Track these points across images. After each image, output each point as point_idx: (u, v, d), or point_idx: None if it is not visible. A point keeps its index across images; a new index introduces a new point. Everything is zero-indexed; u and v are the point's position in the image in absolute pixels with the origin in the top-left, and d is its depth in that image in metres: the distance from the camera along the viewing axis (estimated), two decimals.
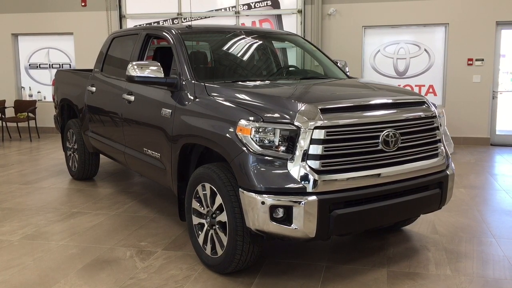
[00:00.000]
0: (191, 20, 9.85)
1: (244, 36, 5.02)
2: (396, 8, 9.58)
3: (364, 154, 3.30)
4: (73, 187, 6.28)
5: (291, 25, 10.11)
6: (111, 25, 10.67)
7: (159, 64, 4.17)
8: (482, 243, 4.27)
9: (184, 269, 3.73)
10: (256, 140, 3.22)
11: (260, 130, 3.22)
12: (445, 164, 3.77)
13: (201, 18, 10.42)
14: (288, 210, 3.13)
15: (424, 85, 9.79)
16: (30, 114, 10.56)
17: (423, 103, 3.78)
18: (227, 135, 3.37)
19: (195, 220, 3.81)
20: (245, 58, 4.98)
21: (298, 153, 3.15)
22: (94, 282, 3.52)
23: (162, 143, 4.24)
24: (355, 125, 3.28)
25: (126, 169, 7.12)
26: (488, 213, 5.16)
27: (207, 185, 3.59)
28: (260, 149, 3.21)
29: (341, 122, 3.24)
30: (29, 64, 11.54)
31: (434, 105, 3.91)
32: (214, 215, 3.58)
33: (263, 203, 3.13)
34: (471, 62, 9.40)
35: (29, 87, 11.51)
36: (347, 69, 5.35)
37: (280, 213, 3.14)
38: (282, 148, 3.20)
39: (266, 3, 10.20)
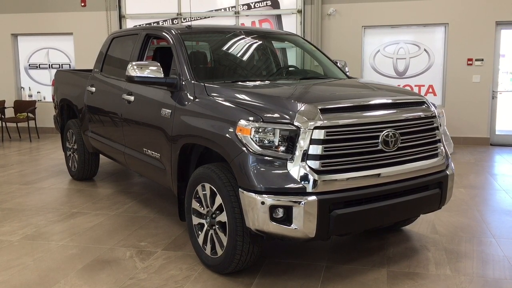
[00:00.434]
0: (191, 20, 9.86)
1: (243, 36, 5.03)
2: (395, 8, 9.58)
3: (364, 154, 3.30)
4: (73, 187, 6.29)
5: (290, 25, 10.12)
6: (110, 25, 10.68)
7: (158, 64, 4.17)
8: (482, 243, 4.27)
9: (184, 269, 3.73)
10: (256, 140, 3.23)
11: (260, 130, 3.23)
12: (444, 164, 3.77)
13: (200, 18, 10.42)
14: (288, 210, 3.13)
15: (423, 85, 9.79)
16: (30, 115, 10.56)
17: (422, 103, 3.78)
18: (227, 135, 3.37)
19: (195, 220, 3.81)
20: (245, 58, 4.98)
21: (298, 153, 3.15)
22: (94, 282, 3.52)
23: (162, 143, 4.24)
24: (355, 125, 3.28)
25: (126, 169, 7.12)
26: (488, 213, 5.17)
27: (207, 185, 3.59)
28: (260, 149, 3.22)
29: (341, 122, 3.24)
30: (29, 64, 11.55)
31: (434, 105, 3.91)
32: (214, 215, 3.58)
33: (263, 203, 3.13)
34: (470, 62, 9.40)
35: (29, 87, 11.51)
36: (346, 69, 5.35)
37: (280, 213, 3.14)
38: (282, 148, 3.20)
39: (266, 3, 10.20)
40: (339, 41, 9.86)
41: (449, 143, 8.35)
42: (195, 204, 3.78)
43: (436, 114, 3.80)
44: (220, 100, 3.71)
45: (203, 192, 3.66)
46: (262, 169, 3.19)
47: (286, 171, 3.16)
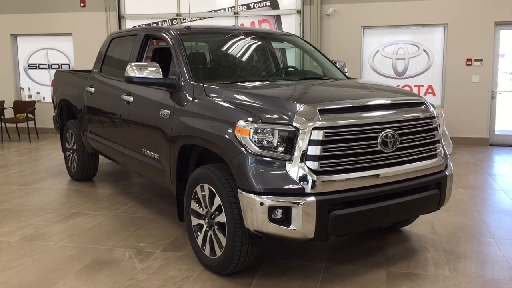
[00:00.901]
0: (190, 21, 9.86)
1: (243, 36, 5.03)
2: (395, 8, 9.58)
3: (363, 155, 3.31)
4: (72, 188, 6.28)
5: (290, 25, 10.12)
6: (110, 25, 10.68)
7: (157, 65, 4.17)
8: (481, 243, 4.27)
9: (183, 270, 3.73)
10: (254, 141, 3.23)
11: (259, 131, 3.23)
12: (443, 165, 3.77)
13: (200, 19, 10.42)
14: (287, 211, 3.13)
15: (423, 85, 9.80)
16: (29, 115, 10.55)
17: (421, 103, 3.79)
18: (226, 136, 3.37)
19: (194, 221, 3.81)
20: (244, 59, 4.98)
21: (297, 154, 3.16)
22: (93, 283, 3.52)
23: (161, 144, 4.24)
24: (354, 125, 3.29)
25: (125, 169, 7.11)
26: (487, 213, 5.17)
27: (206, 186, 3.59)
28: (259, 150, 3.22)
29: (340, 122, 3.24)
30: (28, 65, 11.54)
31: (433, 105, 3.92)
32: (213, 216, 3.58)
33: (261, 204, 3.13)
34: (470, 62, 9.40)
35: (28, 88, 11.51)
36: (345, 69, 5.35)
37: (279, 214, 3.14)
38: (280, 149, 3.20)
39: (265, 4, 10.20)
40: (338, 42, 9.87)
41: (448, 143, 8.36)
42: (194, 205, 3.78)
43: (435, 114, 3.80)
44: (219, 101, 3.71)
45: (202, 193, 3.66)
46: (261, 170, 3.19)
47: (285, 172, 3.16)
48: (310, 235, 3.16)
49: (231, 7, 10.35)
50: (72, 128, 6.46)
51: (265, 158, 3.20)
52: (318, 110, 3.25)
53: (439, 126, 3.87)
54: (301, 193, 3.12)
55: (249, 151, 3.23)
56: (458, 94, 9.51)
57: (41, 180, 6.71)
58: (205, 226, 3.69)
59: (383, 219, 3.55)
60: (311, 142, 3.15)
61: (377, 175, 3.34)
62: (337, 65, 5.26)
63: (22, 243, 4.33)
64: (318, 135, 3.16)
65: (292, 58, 7.33)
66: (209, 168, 3.59)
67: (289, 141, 3.19)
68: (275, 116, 3.27)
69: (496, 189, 6.22)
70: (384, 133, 3.36)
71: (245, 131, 3.25)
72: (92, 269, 3.76)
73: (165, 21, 10.59)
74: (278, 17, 10.24)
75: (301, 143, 3.15)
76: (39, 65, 11.48)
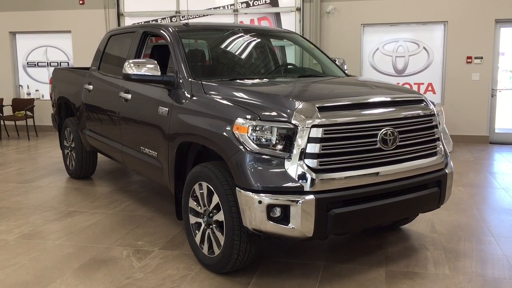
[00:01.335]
0: (189, 18, 9.83)
1: (242, 34, 4.99)
2: (395, 6, 9.55)
3: (362, 153, 3.28)
4: (71, 186, 6.26)
5: (289, 23, 10.08)
6: (109, 23, 10.64)
7: (155, 62, 4.14)
8: (481, 242, 4.25)
9: (181, 269, 3.70)
10: (253, 138, 3.20)
11: (257, 129, 3.20)
12: (443, 163, 3.74)
13: (199, 16, 10.38)
14: (286, 209, 3.10)
15: (423, 83, 9.76)
16: (28, 113, 10.52)
17: (421, 101, 3.76)
18: (224, 133, 3.34)
19: (192, 219, 3.78)
20: (243, 56, 4.95)
21: (296, 151, 3.12)
22: (90, 282, 3.49)
23: (159, 142, 4.21)
24: (353, 123, 3.26)
25: (124, 167, 7.08)
26: (487, 211, 5.14)
27: (204, 184, 3.57)
28: (257, 147, 3.19)
29: (339, 120, 3.21)
30: (27, 62, 11.51)
31: (433, 103, 3.89)
32: (211, 214, 3.55)
33: (260, 202, 3.10)
34: (470, 60, 9.37)
35: (27, 86, 11.48)
36: (345, 67, 5.32)
37: (278, 212, 3.11)
38: (279, 146, 3.17)
39: (265, 1, 10.16)
40: (338, 39, 9.83)
41: (448, 141, 8.33)
42: (192, 203, 3.76)
43: (435, 112, 3.77)
44: (218, 98, 3.68)
45: (200, 191, 3.64)
46: (259, 167, 3.17)
47: (284, 169, 3.13)
48: (309, 234, 3.13)
49: (231, 5, 10.31)
50: (70, 126, 6.43)
51: (264, 156, 3.17)
52: (317, 107, 3.22)
53: (439, 123, 3.85)
54: (300, 191, 3.09)
55: (248, 149, 3.20)
56: (458, 92, 9.48)
57: (40, 178, 6.68)
58: (203, 225, 3.66)
59: (383, 218, 3.52)
60: (310, 140, 3.12)
61: (377, 173, 3.31)
62: (337, 62, 5.23)
63: (19, 241, 4.30)
64: (317, 132, 3.13)
65: (291, 55, 7.30)
66: (207, 166, 3.56)
67: (288, 138, 3.16)
68: (274, 113, 3.24)
69: (496, 187, 6.19)
70: (384, 130, 3.33)
71: (244, 129, 3.22)
72: (90, 268, 3.73)
73: (164, 18, 10.55)
74: (277, 15, 10.20)
75: (300, 141, 3.13)
76: (38, 62, 11.44)
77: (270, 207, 3.10)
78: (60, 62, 11.30)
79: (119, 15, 10.68)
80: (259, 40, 5.22)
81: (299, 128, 3.13)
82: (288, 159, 3.14)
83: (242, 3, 10.26)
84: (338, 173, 3.18)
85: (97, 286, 3.43)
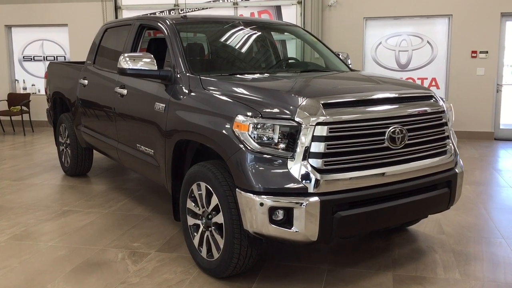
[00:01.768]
0: (188, 11, 9.62)
1: (242, 27, 4.80)
2: None
3: (369, 152, 3.10)
4: (66, 184, 6.08)
5: (290, 16, 9.87)
6: (106, 16, 10.42)
7: (152, 56, 3.95)
8: (491, 243, 4.08)
9: (178, 273, 3.54)
10: (254, 137, 3.02)
11: (259, 127, 3.02)
12: (453, 162, 3.57)
13: (198, 9, 10.18)
14: (289, 212, 2.93)
15: (426, 78, 9.57)
16: (24, 108, 10.32)
17: (430, 97, 3.58)
18: (223, 131, 3.17)
19: (190, 220, 3.61)
20: (243, 50, 4.76)
21: (299, 151, 2.95)
22: (83, 287, 3.32)
23: (155, 139, 4.03)
24: (360, 121, 3.08)
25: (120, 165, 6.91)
26: (495, 211, 4.97)
27: (203, 184, 3.39)
28: (259, 146, 3.01)
29: (345, 117, 3.03)
30: (23, 57, 11.30)
31: (442, 99, 3.71)
32: (210, 216, 3.38)
33: (261, 204, 2.93)
34: (475, 55, 9.17)
35: (23, 80, 11.27)
36: (349, 61, 5.14)
37: (280, 215, 2.94)
38: (282, 145, 3.00)
39: None
40: (340, 33, 9.62)
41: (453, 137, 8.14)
42: (190, 204, 3.58)
43: (445, 108, 3.59)
44: (217, 94, 3.49)
45: (199, 192, 3.46)
46: (260, 168, 2.99)
47: (287, 170, 2.95)
48: (313, 238, 2.96)
49: None
50: (65, 122, 6.24)
51: (265, 156, 3.00)
52: (322, 104, 3.04)
53: (449, 120, 3.67)
54: (303, 193, 2.92)
55: (248, 147, 3.02)
56: (462, 87, 9.29)
57: (34, 175, 6.50)
58: (201, 227, 3.49)
59: (391, 220, 3.35)
60: (315, 139, 2.95)
61: (384, 174, 3.14)
62: (340, 56, 5.04)
63: (10, 242, 4.13)
64: (322, 131, 2.95)
65: (293, 49, 7.10)
66: (205, 166, 3.38)
67: (291, 137, 2.98)
68: (276, 110, 3.06)
69: (503, 185, 6.02)
70: (392, 128, 3.16)
71: (244, 127, 3.04)
72: (83, 272, 3.56)
73: (163, 11, 10.34)
74: (278, 8, 9.99)
75: (304, 140, 2.95)
76: (34, 56, 11.23)
77: (272, 210, 2.93)
78: (56, 56, 11.10)
79: (117, 8, 10.46)
80: (260, 33, 5.03)
81: (302, 126, 2.95)
82: (291, 159, 2.96)
83: None
84: (344, 174, 3.01)
85: None
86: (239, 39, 4.73)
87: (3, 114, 10.23)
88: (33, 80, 11.26)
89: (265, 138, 3.02)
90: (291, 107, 3.03)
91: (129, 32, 4.90)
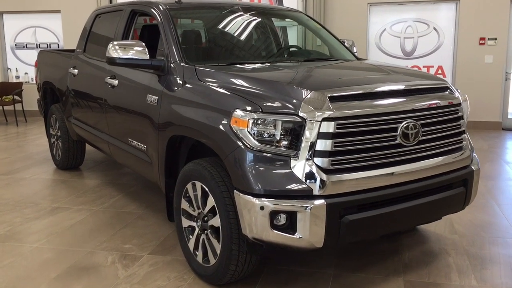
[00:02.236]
0: None
1: (241, 13, 4.48)
2: None
3: (380, 150, 2.83)
4: (57, 178, 5.81)
5: (291, 2, 9.51)
6: (100, 2, 10.06)
7: (143, 44, 3.66)
8: (508, 244, 3.81)
9: (172, 279, 3.28)
10: (254, 133, 2.74)
11: (259, 122, 2.74)
12: (469, 158, 3.30)
13: None
14: (292, 216, 2.66)
15: (432, 66, 9.25)
16: (16, 97, 10.01)
17: (446, 88, 3.30)
18: (220, 127, 2.89)
19: (185, 222, 3.34)
20: (242, 37, 4.44)
21: (303, 149, 2.68)
22: None
23: (148, 134, 3.75)
24: (370, 115, 2.80)
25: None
26: (509, 207, 4.71)
27: (198, 184, 3.12)
28: (259, 144, 2.73)
29: (354, 112, 2.75)
30: (15, 44, 10.96)
31: (457, 90, 3.42)
32: (206, 218, 3.11)
33: (262, 208, 2.65)
34: (483, 42, 8.84)
35: (16, 69, 10.93)
36: (354, 49, 4.84)
37: (282, 219, 2.67)
38: (284, 143, 2.72)
39: None
40: (343, 20, 9.28)
41: None
42: (184, 204, 3.31)
43: (461, 101, 3.31)
44: (213, 86, 3.20)
45: (194, 192, 3.19)
46: (261, 168, 2.71)
47: (289, 170, 2.68)
48: (318, 244, 2.69)
49: None
50: (56, 113, 5.95)
51: (266, 154, 2.72)
52: (329, 97, 2.75)
53: (464, 113, 3.38)
54: (308, 195, 2.65)
55: (247, 145, 2.74)
56: (470, 75, 8.97)
57: (24, 169, 6.23)
58: (197, 229, 3.22)
59: (403, 223, 3.09)
60: (320, 135, 2.67)
61: (396, 173, 2.86)
62: (346, 44, 4.74)
63: None
64: (329, 127, 2.67)
65: (294, 36, 6.79)
66: (201, 164, 3.11)
67: (294, 134, 2.70)
68: (278, 104, 2.78)
69: None
70: (405, 123, 2.88)
71: (243, 122, 2.76)
72: (69, 277, 3.30)
73: None
74: None
75: (309, 136, 2.67)
76: (26, 44, 10.90)
77: (273, 214, 2.66)
78: (50, 44, 10.76)
79: None
80: (260, 19, 4.71)
81: (307, 121, 2.67)
82: (295, 158, 2.69)
83: None
84: (352, 174, 2.74)
85: None
86: (238, 26, 4.42)
87: None
88: (26, 69, 10.93)
89: (266, 135, 2.74)
90: (294, 101, 2.75)
91: (120, 18, 4.59)
